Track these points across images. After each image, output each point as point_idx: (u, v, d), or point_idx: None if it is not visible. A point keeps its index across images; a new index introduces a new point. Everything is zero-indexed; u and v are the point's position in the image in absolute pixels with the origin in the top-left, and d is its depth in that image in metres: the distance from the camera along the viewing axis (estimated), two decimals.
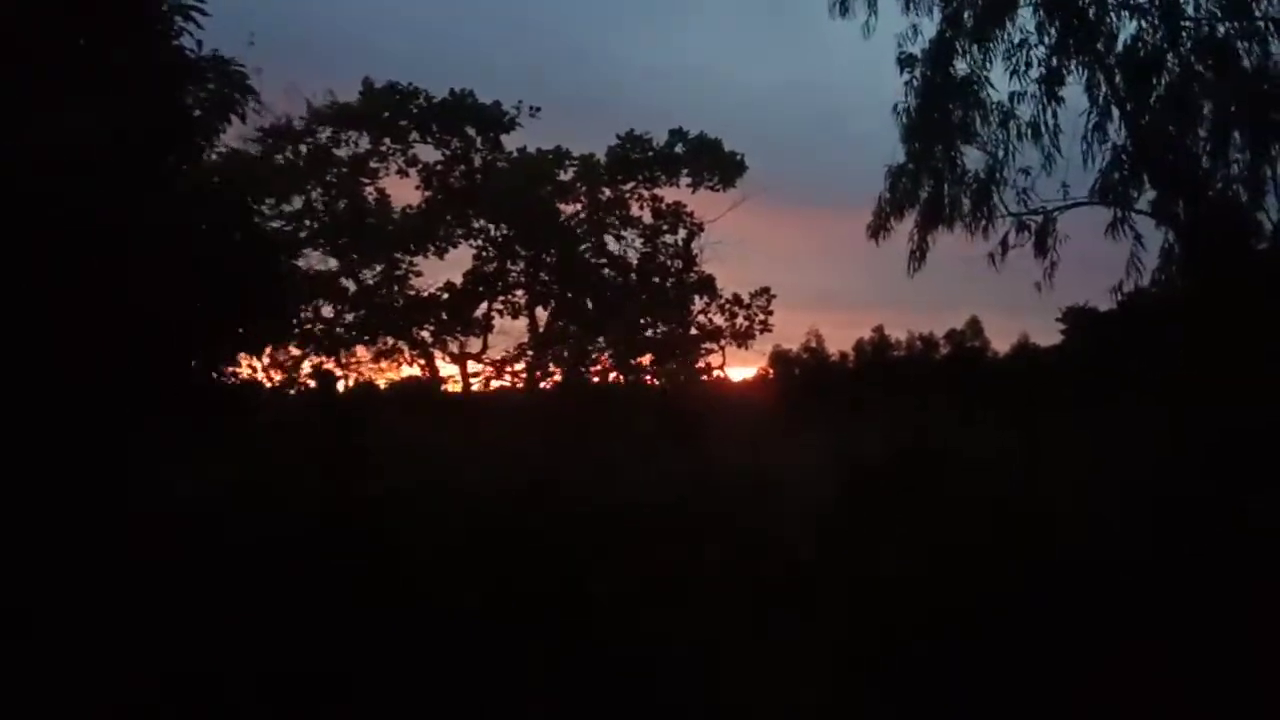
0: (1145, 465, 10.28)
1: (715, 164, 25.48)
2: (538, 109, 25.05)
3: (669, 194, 26.25)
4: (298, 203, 23.37)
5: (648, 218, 26.20)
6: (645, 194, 26.00)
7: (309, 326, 23.66)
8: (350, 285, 24.79)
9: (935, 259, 19.11)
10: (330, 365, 23.70)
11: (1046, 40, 17.45)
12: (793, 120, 49.23)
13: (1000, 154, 18.36)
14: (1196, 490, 8.84)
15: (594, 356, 26.13)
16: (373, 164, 24.74)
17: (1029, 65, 17.67)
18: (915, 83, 18.61)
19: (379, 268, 24.85)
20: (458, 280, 25.81)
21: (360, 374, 26.59)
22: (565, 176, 25.38)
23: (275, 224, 21.72)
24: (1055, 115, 17.66)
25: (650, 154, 25.45)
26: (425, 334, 25.74)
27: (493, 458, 13.35)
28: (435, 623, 7.11)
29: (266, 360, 22.95)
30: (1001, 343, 43.44)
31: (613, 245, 26.28)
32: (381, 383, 26.95)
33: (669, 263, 26.17)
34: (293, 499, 8.50)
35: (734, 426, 20.77)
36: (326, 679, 6.51)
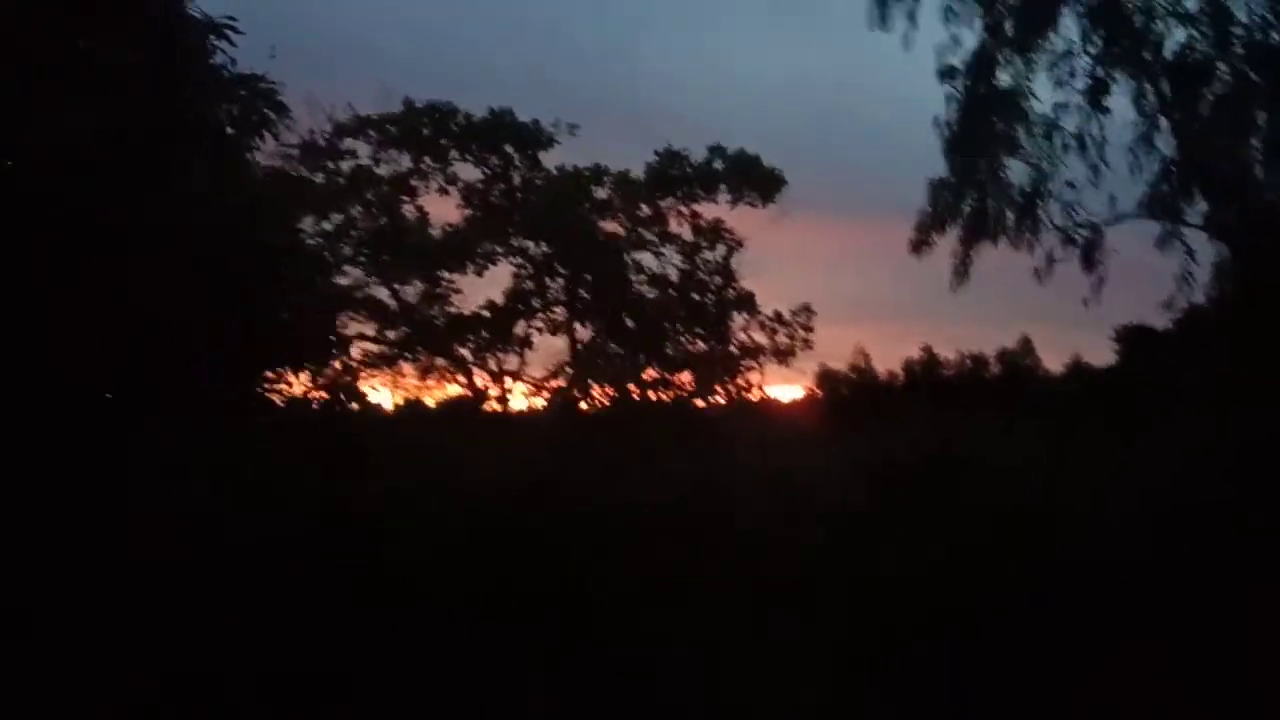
0: (1170, 471, 9.90)
1: (754, 180, 25.34)
2: (576, 126, 25.17)
3: (708, 210, 26.18)
4: (335, 220, 23.61)
5: (687, 235, 26.13)
6: (684, 211, 25.95)
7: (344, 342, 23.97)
8: (392, 303, 24.98)
9: (980, 274, 18.81)
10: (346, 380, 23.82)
11: (1091, 50, 17.06)
12: (826, 129, 48.69)
13: (1045, 167, 18.02)
14: (1216, 495, 8.47)
15: (633, 373, 26.03)
16: (413, 182, 25.00)
17: (1073, 75, 17.32)
18: (956, 94, 18.29)
19: (420, 285, 25.04)
20: (498, 298, 25.91)
21: (407, 391, 26.85)
22: (603, 194, 25.40)
23: (313, 241, 21.95)
24: (1101, 127, 17.29)
25: (689, 170, 25.41)
26: (465, 351, 25.85)
27: (500, 463, 13.30)
28: (434, 622, 7.01)
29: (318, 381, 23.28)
30: (1054, 360, 42.41)
31: (651, 263, 26.21)
32: (431, 401, 27.14)
33: (708, 279, 26.02)
34: (292, 499, 8.50)
35: (762, 441, 20.54)
36: (326, 679, 6.43)
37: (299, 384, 18.09)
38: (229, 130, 11.85)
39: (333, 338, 21.82)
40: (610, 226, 25.67)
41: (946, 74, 18.36)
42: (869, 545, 8.42)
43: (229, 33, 11.29)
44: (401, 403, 26.99)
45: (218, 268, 7.85)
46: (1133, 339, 35.14)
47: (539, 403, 26.34)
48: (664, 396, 26.19)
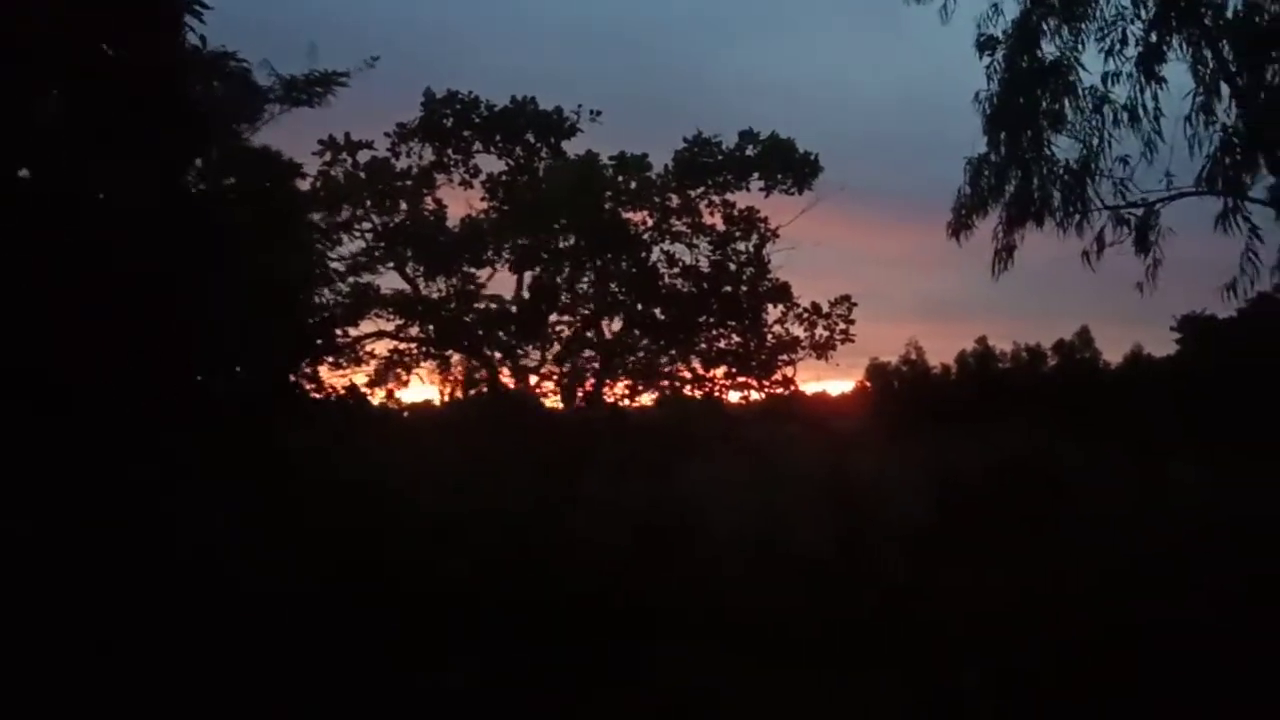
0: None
1: (788, 166, 24.20)
2: (598, 112, 24.48)
3: (740, 199, 25.08)
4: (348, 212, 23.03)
5: (719, 224, 25.05)
6: (716, 200, 24.88)
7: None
8: (413, 297, 24.34)
9: (1030, 266, 17.76)
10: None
11: (1144, 14, 15.85)
12: (866, 121, 48.07)
13: (1094, 142, 16.80)
14: None
15: (665, 370, 25.15)
16: (435, 175, 24.38)
17: (1124, 43, 16.11)
18: (998, 68, 17.28)
19: (443, 281, 24.38)
20: (525, 293, 25.15)
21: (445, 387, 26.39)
22: (627, 182, 24.41)
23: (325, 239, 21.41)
24: (1155, 97, 15.97)
25: (719, 158, 24.35)
26: (491, 349, 25.14)
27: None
28: None
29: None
30: (1113, 352, 40.84)
31: (684, 253, 25.22)
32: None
33: (741, 271, 24.95)
34: None
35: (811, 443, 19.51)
36: None
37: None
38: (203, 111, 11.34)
39: (341, 337, 21.40)
40: (639, 217, 24.73)
41: (986, 45, 17.39)
42: (939, 571, 7.31)
43: (199, 8, 10.77)
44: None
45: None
46: (1193, 330, 33.47)
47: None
48: (697, 393, 25.28)
